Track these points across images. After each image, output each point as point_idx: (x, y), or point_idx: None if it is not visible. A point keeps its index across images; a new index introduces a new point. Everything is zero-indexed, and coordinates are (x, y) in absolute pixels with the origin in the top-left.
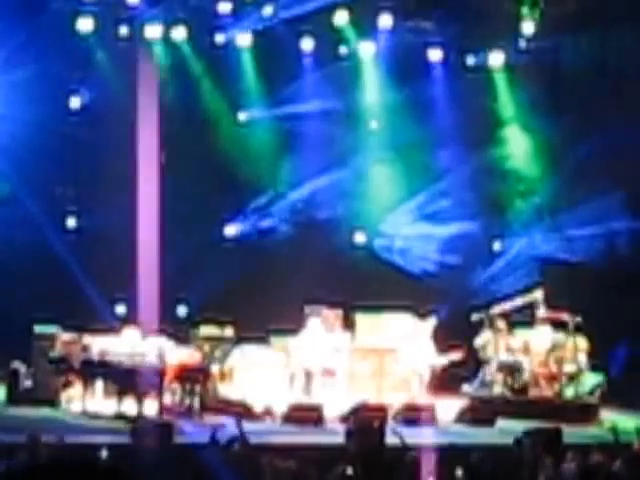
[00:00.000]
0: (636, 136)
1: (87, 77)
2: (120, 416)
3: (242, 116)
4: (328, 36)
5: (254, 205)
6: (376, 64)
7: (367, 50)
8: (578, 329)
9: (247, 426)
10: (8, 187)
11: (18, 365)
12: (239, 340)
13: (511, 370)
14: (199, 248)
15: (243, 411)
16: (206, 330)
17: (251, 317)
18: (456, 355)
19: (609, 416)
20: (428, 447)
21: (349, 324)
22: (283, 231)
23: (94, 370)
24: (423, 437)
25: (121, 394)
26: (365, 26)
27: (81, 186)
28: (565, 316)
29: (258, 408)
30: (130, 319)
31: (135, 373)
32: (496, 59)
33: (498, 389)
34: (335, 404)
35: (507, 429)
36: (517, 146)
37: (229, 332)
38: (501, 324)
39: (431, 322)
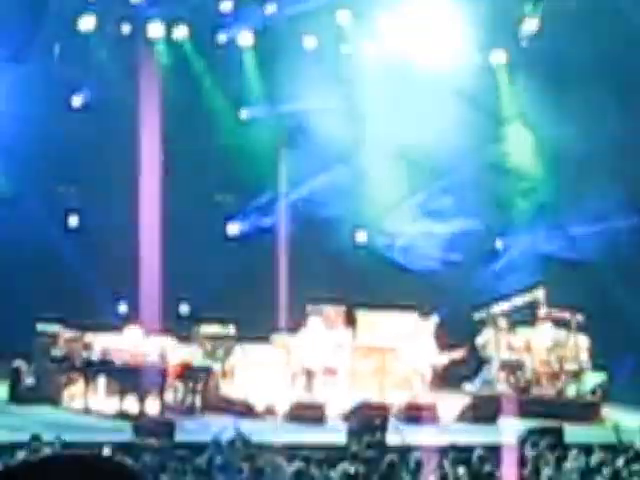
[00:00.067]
0: (637, 134)
1: (89, 75)
2: (122, 414)
3: (244, 114)
4: (330, 34)
5: (256, 204)
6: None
7: (368, 48)
8: (580, 328)
9: (249, 425)
10: (10, 186)
11: (20, 363)
12: (241, 339)
13: (513, 369)
14: (201, 247)
15: (245, 410)
16: (208, 329)
17: (253, 316)
18: (457, 353)
19: (611, 415)
20: (430, 445)
21: (351, 322)
22: (285, 230)
23: (96, 368)
24: (425, 435)
25: (123, 392)
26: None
27: (83, 185)
28: (567, 315)
29: (260, 407)
30: (132, 318)
31: (137, 371)
32: (498, 57)
33: (500, 387)
34: (337, 402)
35: (509, 427)
36: (519, 144)
37: (231, 331)
38: (503, 323)
39: (433, 321)
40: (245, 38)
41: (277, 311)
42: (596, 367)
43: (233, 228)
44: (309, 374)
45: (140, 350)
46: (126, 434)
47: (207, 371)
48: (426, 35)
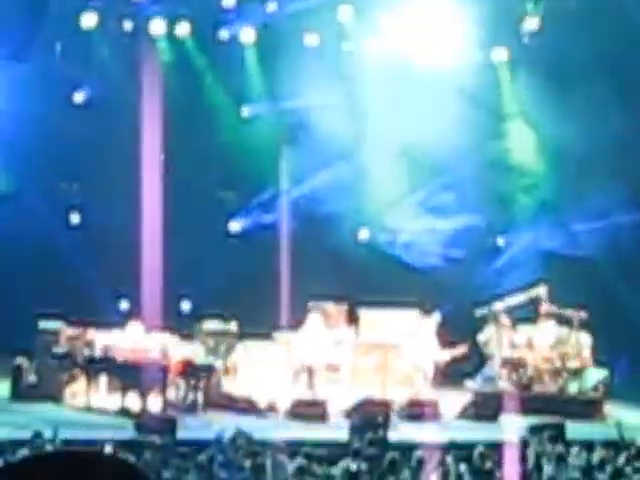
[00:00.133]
0: (639, 131)
1: (91, 73)
2: (124, 412)
3: (245, 111)
4: (332, 32)
5: (257, 201)
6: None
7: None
8: (582, 325)
9: (251, 422)
10: (12, 183)
11: (22, 360)
12: (243, 336)
13: (515, 366)
14: (202, 244)
15: (247, 407)
16: (210, 325)
17: (255, 312)
18: (459, 350)
19: (613, 412)
20: (431, 442)
21: (353, 319)
22: (286, 227)
23: (98, 366)
24: (426, 432)
25: (125, 390)
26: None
27: (85, 182)
28: (569, 312)
29: (262, 404)
30: (134, 315)
31: (139, 369)
32: (500, 55)
33: (502, 384)
34: (339, 399)
35: (510, 425)
36: (521, 141)
37: (233, 328)
38: (505, 320)
39: (435, 318)
40: (247, 35)
41: (279, 308)
42: (598, 364)
43: (235, 225)
44: (310, 371)
45: (142, 347)
46: (128, 431)
47: (209, 368)
48: (428, 32)
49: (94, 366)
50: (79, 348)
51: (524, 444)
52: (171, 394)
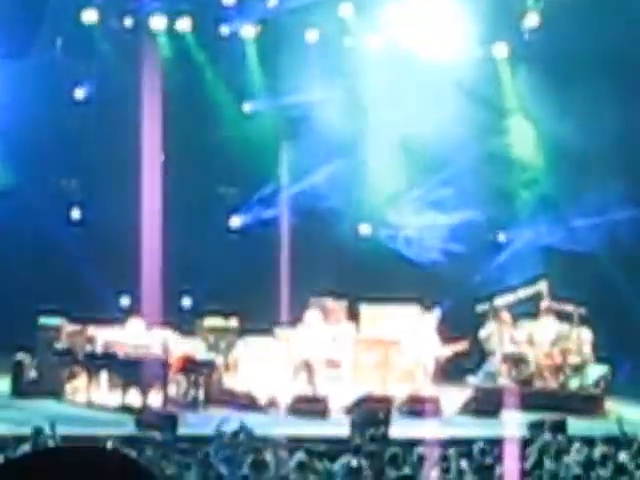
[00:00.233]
0: (638, 126)
1: (92, 68)
2: (125, 408)
3: (246, 107)
4: (332, 27)
5: (258, 196)
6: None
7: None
8: (582, 320)
9: (252, 418)
10: (13, 179)
11: (23, 356)
12: (243, 332)
13: (515, 361)
14: (203, 239)
15: (248, 403)
16: (210, 321)
17: (255, 308)
18: (460, 346)
19: (614, 408)
20: (432, 438)
21: (354, 315)
22: (287, 222)
23: (99, 362)
24: (427, 428)
25: (126, 386)
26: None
27: (85, 177)
28: (570, 307)
29: (263, 400)
30: (135, 311)
31: (140, 365)
32: (500, 50)
33: (502, 380)
34: (340, 395)
35: (511, 420)
36: (521, 137)
37: (233, 323)
38: (505, 316)
39: (435, 314)
40: (248, 31)
41: (280, 304)
42: (599, 360)
43: (235, 221)
44: (308, 367)
45: (143, 343)
46: (129, 427)
47: (210, 364)
48: (428, 28)
49: (95, 362)
50: (80, 344)
51: (525, 440)
52: (172, 390)
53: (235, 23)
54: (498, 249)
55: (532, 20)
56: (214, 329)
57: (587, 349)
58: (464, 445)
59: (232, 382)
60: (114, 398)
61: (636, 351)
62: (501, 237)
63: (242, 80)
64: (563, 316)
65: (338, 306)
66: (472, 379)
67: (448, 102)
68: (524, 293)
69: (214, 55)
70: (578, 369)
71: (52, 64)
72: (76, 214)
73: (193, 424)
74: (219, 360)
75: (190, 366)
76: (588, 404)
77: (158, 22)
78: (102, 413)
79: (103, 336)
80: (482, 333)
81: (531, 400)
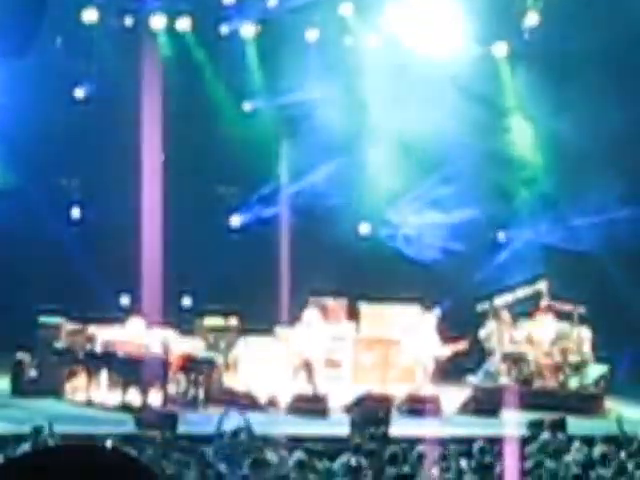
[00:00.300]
0: (638, 126)
1: (91, 68)
2: (124, 407)
3: (246, 106)
4: (332, 26)
5: (258, 195)
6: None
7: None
8: (582, 320)
9: (252, 417)
10: (13, 178)
11: (23, 356)
12: (243, 331)
13: (515, 361)
14: (203, 239)
15: (248, 402)
16: (210, 321)
17: (255, 308)
18: (460, 346)
19: (614, 407)
20: (432, 437)
21: (354, 314)
22: (287, 221)
23: (99, 361)
24: (427, 427)
25: (125, 385)
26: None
27: (85, 177)
28: (569, 307)
29: (262, 399)
30: (134, 310)
31: (139, 364)
32: (500, 49)
33: (502, 380)
34: (340, 394)
35: (511, 420)
36: (521, 135)
37: (233, 323)
38: (505, 315)
39: (435, 313)
40: (248, 30)
41: (280, 303)
42: (599, 359)
43: (235, 220)
44: (308, 366)
45: (142, 342)
46: (129, 426)
47: (210, 363)
48: (428, 27)
49: (95, 361)
50: (80, 343)
51: (525, 440)
52: (172, 389)
53: (235, 22)
54: (498, 248)
55: (532, 19)
56: (214, 328)
57: (587, 348)
58: (464, 444)
59: (232, 381)
60: (114, 397)
61: (636, 350)
62: (501, 236)
63: (242, 79)
64: (563, 315)
65: (338, 305)
66: (472, 378)
67: (448, 101)
68: (524, 292)
69: (214, 54)
70: (578, 368)
71: (52, 64)
72: (76, 213)
73: (193, 423)
74: (219, 359)
75: (190, 365)
76: (588, 403)
77: (158, 21)
78: (102, 412)
79: (103, 335)
80: (482, 332)
81: (531, 399)
